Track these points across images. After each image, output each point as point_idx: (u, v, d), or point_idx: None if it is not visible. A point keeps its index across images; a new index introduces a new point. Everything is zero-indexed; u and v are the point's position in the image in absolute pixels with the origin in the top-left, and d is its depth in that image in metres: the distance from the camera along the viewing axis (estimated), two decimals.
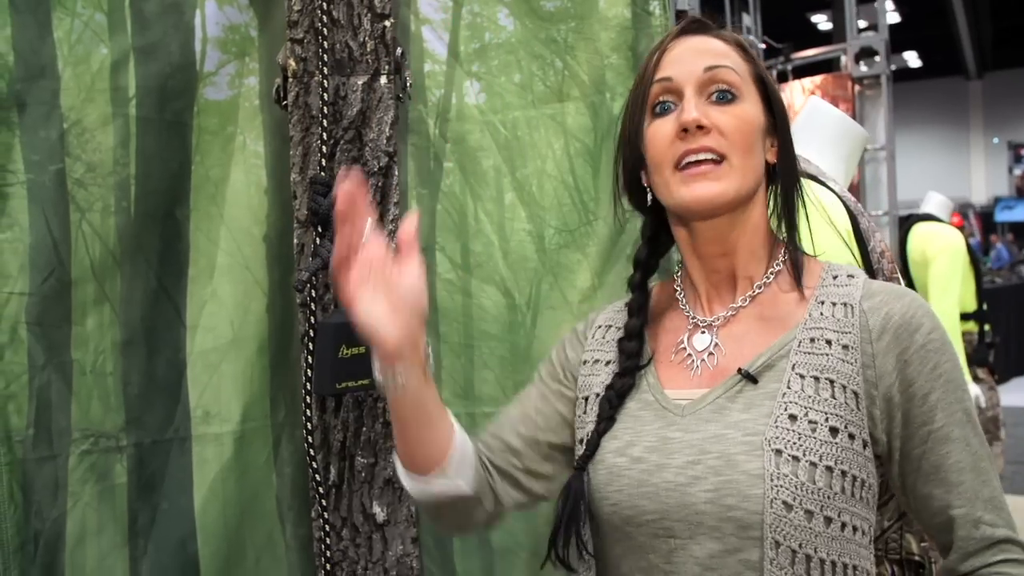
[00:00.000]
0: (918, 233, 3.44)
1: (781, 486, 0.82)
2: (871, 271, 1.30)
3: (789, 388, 0.87)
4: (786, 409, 0.86)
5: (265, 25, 1.53)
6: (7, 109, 1.32)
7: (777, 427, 0.85)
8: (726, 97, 0.92)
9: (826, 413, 0.86)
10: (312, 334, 1.24)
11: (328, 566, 1.18)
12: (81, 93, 1.37)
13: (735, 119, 0.91)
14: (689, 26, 0.98)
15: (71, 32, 1.37)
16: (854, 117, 3.58)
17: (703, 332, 0.96)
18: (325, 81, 1.17)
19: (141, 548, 1.43)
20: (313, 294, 1.29)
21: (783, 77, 4.11)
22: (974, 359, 3.32)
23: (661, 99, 0.94)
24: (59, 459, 1.36)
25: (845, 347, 0.88)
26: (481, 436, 1.04)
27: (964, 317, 3.31)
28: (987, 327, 3.43)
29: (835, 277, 0.94)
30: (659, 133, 0.93)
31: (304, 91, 1.21)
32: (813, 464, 0.83)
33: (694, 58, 0.94)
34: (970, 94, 18.14)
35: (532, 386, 1.08)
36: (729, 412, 0.88)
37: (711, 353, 0.94)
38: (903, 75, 16.53)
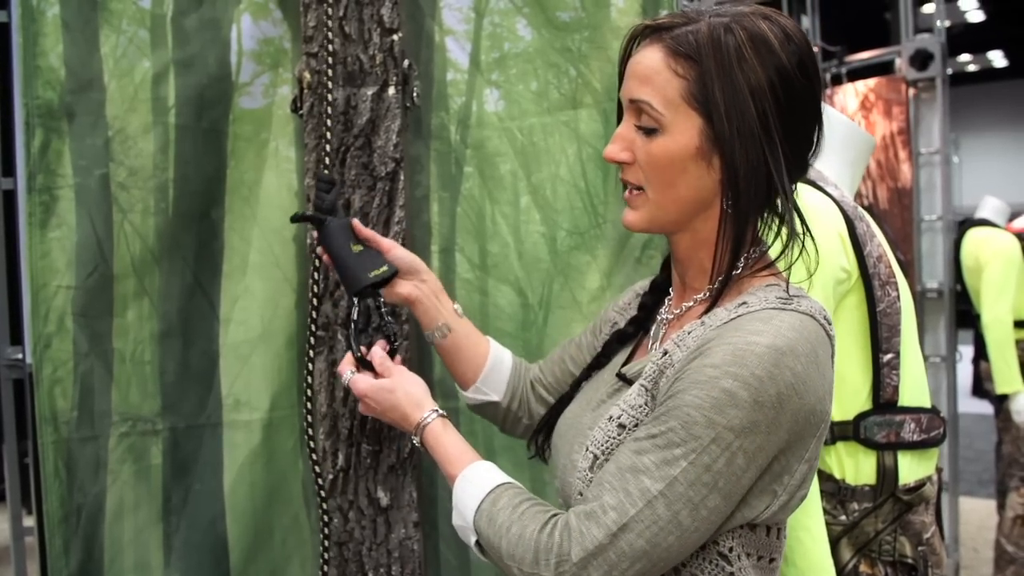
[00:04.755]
0: (972, 238, 3.37)
1: (579, 479, 0.91)
2: (867, 275, 1.32)
3: (628, 393, 0.93)
4: (611, 411, 0.92)
5: (297, 38, 1.61)
6: (58, 119, 1.44)
7: (599, 427, 0.92)
8: (647, 131, 0.90)
9: (636, 420, 0.89)
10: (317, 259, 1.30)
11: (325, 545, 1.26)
12: (125, 103, 1.49)
13: (649, 156, 0.90)
14: (638, 34, 0.93)
15: (116, 47, 1.48)
16: (908, 121, 3.52)
17: (659, 327, 1.02)
18: (332, 93, 1.25)
19: (174, 525, 1.54)
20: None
21: (837, 80, 4.06)
22: None
23: (620, 116, 0.96)
24: (100, 440, 1.48)
25: (672, 363, 0.88)
26: (543, 360, 1.28)
27: (1018, 325, 3.22)
28: None
29: (741, 304, 0.88)
30: (604, 154, 0.96)
31: (318, 101, 1.29)
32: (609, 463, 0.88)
33: (629, 81, 0.92)
34: None
35: (582, 332, 1.23)
36: (602, 405, 0.98)
37: (654, 349, 1.00)
38: (987, 75, 15.92)
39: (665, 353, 0.90)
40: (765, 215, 0.93)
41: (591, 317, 1.58)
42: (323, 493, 1.26)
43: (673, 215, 0.92)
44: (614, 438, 0.90)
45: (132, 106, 1.49)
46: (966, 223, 3.47)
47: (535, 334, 1.60)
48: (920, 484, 1.34)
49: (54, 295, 1.44)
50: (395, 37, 1.31)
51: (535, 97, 1.62)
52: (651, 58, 0.89)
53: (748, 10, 0.89)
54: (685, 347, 0.88)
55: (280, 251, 1.62)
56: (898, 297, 1.34)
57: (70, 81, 1.45)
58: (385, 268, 1.18)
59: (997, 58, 15.77)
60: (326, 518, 1.29)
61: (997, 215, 3.45)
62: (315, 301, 1.31)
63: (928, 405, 1.41)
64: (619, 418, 0.91)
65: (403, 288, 1.20)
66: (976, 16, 13.38)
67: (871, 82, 3.67)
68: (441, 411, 1.06)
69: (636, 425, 0.89)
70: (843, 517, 1.35)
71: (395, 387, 1.08)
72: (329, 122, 1.23)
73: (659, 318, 1.04)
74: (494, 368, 1.23)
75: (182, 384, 1.55)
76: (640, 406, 0.90)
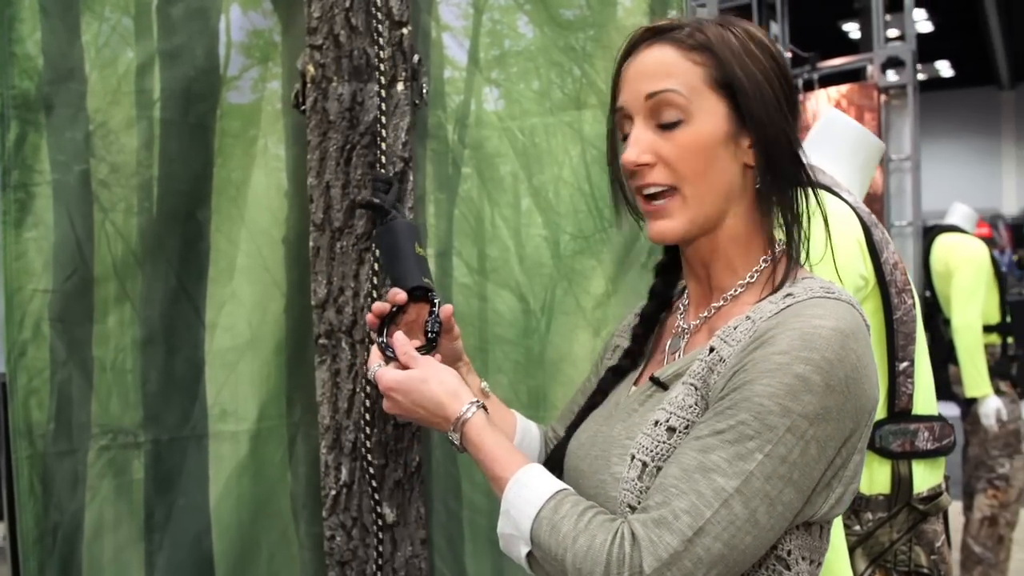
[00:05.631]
0: (941, 244, 3.41)
1: (627, 490, 0.85)
2: (884, 282, 1.30)
3: (670, 396, 0.88)
4: (655, 415, 0.88)
5: (288, 30, 1.55)
6: (35, 111, 1.35)
7: (643, 433, 0.87)
8: (671, 124, 0.88)
9: (687, 421, 0.85)
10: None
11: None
12: (107, 96, 1.40)
13: (679, 148, 0.88)
14: (639, 39, 0.93)
15: (98, 36, 1.40)
16: (879, 127, 3.56)
17: (679, 338, 0.98)
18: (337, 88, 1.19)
19: (157, 543, 1.46)
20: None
21: (809, 86, 4.09)
22: (996, 371, 3.28)
23: (624, 129, 0.93)
24: (78, 454, 1.39)
25: (721, 359, 0.85)
26: (552, 424, 1.19)
27: (987, 329, 3.27)
28: (1010, 340, 3.38)
29: (787, 296, 0.86)
30: (624, 162, 0.92)
31: (322, 96, 1.23)
32: (660, 469, 0.84)
33: (638, 82, 0.90)
34: (1003, 104, 17.88)
35: (586, 378, 1.16)
36: (634, 414, 0.92)
37: (675, 360, 0.96)
38: (935, 84, 16.34)
39: (712, 350, 0.86)
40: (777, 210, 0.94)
41: (596, 323, 1.53)
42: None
43: (711, 208, 0.90)
44: (664, 443, 0.86)
45: (115, 99, 1.41)
46: (935, 229, 3.52)
47: (537, 341, 1.55)
48: (936, 493, 1.32)
49: (30, 299, 1.35)
50: (404, 31, 1.25)
51: (537, 97, 1.57)
52: (664, 54, 0.90)
53: (728, 18, 0.93)
54: (734, 341, 0.85)
55: (268, 254, 1.55)
56: (914, 304, 1.32)
57: (48, 71, 1.36)
58: (432, 284, 1.12)
59: (944, 68, 16.19)
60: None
61: (966, 221, 3.50)
62: (318, 308, 1.24)
63: (937, 413, 1.39)
64: (667, 421, 0.86)
65: None
66: (925, 27, 13.71)
67: (843, 88, 3.70)
68: (481, 403, 0.97)
69: (687, 427, 0.85)
70: (857, 527, 1.33)
71: (427, 377, 0.97)
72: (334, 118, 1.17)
73: (678, 328, 1.00)
74: (521, 444, 1.13)
75: (165, 394, 1.47)
76: (690, 406, 0.86)
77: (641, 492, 0.85)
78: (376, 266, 1.20)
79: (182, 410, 1.49)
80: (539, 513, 0.84)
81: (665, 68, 0.89)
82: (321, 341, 1.24)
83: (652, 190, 0.90)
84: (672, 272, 1.06)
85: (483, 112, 1.58)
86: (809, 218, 0.93)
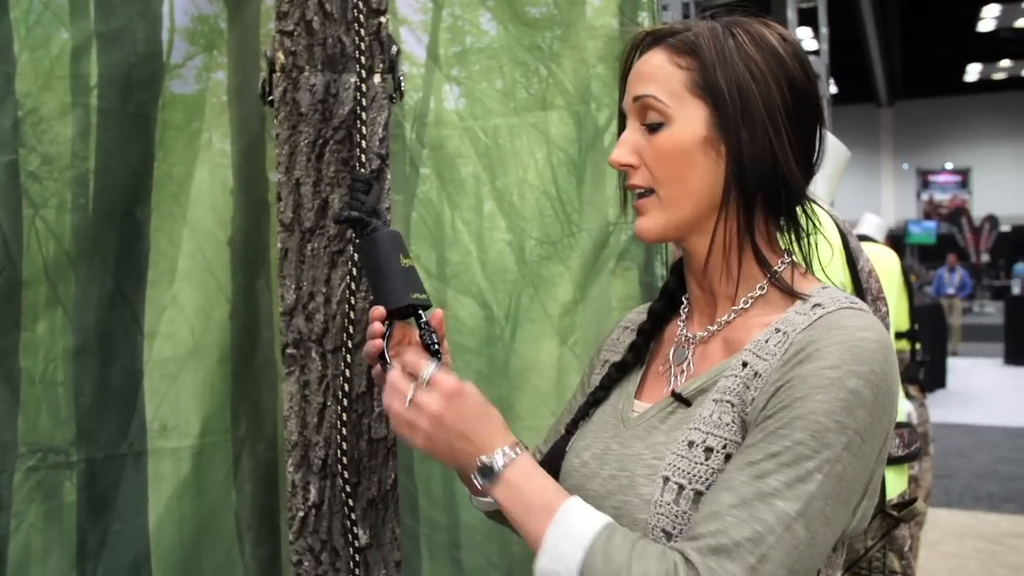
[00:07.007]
0: None
1: (661, 514, 0.82)
2: (860, 290, 1.31)
3: (701, 414, 0.86)
4: (688, 435, 0.85)
5: (235, 18, 1.45)
6: None
7: (675, 454, 0.84)
8: (653, 127, 0.89)
9: (724, 440, 0.83)
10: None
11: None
12: (39, 79, 1.27)
13: (656, 151, 0.88)
14: (638, 43, 0.94)
15: (29, 12, 1.27)
16: None
17: (684, 348, 0.95)
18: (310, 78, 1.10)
19: (90, 572, 1.33)
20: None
21: None
22: (906, 376, 3.41)
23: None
24: (3, 476, 1.25)
25: (756, 374, 0.83)
26: (538, 446, 1.12)
27: (897, 336, 3.39)
28: (918, 346, 3.53)
29: (815, 306, 0.85)
30: (609, 162, 0.94)
31: (292, 87, 1.14)
32: (699, 493, 0.81)
33: (632, 85, 0.92)
34: (881, 121, 18.94)
35: (572, 396, 1.12)
36: (655, 432, 0.89)
37: (683, 371, 0.93)
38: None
39: (745, 365, 0.84)
40: (781, 221, 0.93)
41: (563, 331, 1.49)
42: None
43: (688, 212, 0.89)
44: (702, 463, 0.82)
45: (47, 83, 1.28)
46: None
47: (501, 349, 1.50)
48: (909, 500, 1.33)
49: None
50: (382, 19, 1.18)
51: (500, 96, 1.52)
52: (654, 59, 0.91)
53: (746, 17, 0.91)
54: (768, 355, 0.83)
55: (213, 255, 1.45)
56: (887, 313, 1.33)
57: None
58: (425, 296, 1.04)
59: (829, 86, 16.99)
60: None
61: (876, 231, 3.64)
62: (286, 315, 1.15)
63: (905, 419, 1.41)
64: (704, 442, 0.83)
65: None
66: (810, 45, 14.38)
67: None
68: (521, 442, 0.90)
69: (725, 446, 0.82)
70: None
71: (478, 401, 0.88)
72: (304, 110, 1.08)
73: (680, 337, 0.97)
74: None
75: (100, 408, 1.34)
76: (727, 424, 0.83)
77: (677, 516, 0.81)
78: (354, 271, 1.12)
79: (118, 426, 1.36)
80: (592, 544, 0.79)
81: (651, 73, 0.90)
82: (289, 351, 1.14)
83: (638, 190, 0.91)
84: (675, 303, 1.03)
85: (443, 111, 1.52)
86: (799, 231, 0.93)
